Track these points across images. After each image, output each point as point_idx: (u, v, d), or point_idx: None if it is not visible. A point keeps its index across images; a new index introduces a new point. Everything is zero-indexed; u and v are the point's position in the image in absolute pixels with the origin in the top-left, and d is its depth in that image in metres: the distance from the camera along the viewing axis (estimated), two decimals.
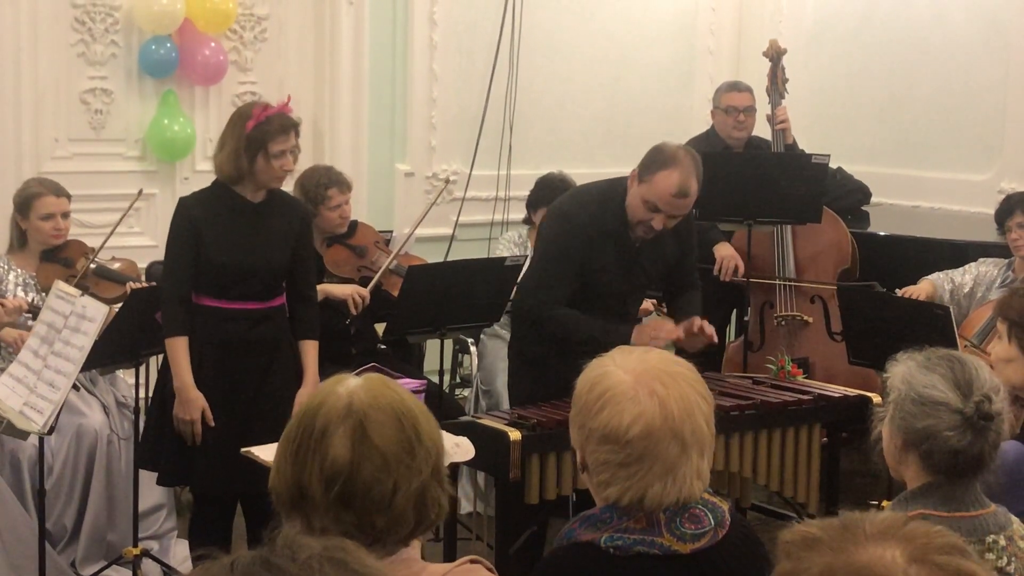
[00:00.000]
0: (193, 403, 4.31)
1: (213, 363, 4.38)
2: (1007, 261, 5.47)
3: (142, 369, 4.68)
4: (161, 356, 4.53)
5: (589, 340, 4.22)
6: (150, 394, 5.56)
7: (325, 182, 5.32)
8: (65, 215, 5.03)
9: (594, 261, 4.44)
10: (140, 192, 5.23)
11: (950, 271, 5.51)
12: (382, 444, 1.88)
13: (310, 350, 4.56)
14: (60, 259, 5.04)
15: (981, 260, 5.53)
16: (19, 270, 4.94)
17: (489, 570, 2.03)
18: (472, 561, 2.02)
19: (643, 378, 2.14)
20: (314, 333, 4.60)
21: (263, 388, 4.40)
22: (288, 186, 5.50)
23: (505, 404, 5.01)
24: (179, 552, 4.94)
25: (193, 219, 4.39)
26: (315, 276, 4.80)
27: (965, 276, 5.47)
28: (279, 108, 4.39)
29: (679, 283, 4.75)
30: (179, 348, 4.33)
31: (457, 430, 4.01)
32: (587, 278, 4.46)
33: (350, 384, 1.95)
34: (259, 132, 4.32)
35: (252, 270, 4.43)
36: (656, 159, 4.40)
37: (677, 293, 4.77)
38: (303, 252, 4.58)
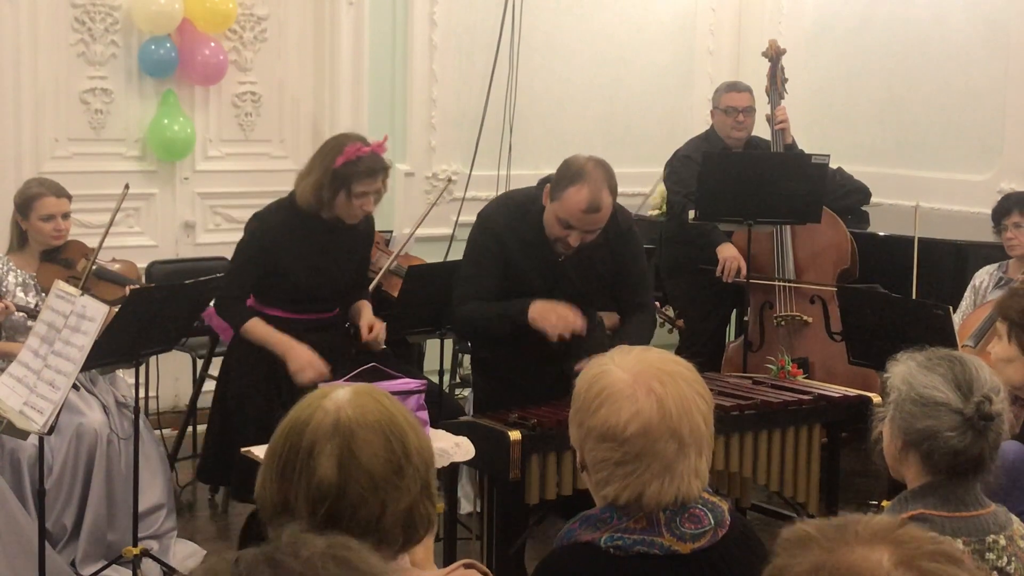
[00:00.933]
0: (311, 360, 4.38)
1: (278, 371, 4.44)
2: (998, 264, 5.47)
3: (141, 369, 4.68)
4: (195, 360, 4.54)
5: (499, 324, 4.22)
6: (149, 394, 5.57)
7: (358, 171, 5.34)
8: (65, 216, 5.02)
9: (514, 266, 4.36)
10: (126, 187, 5.20)
11: (959, 307, 5.44)
12: (369, 464, 1.82)
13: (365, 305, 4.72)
14: (60, 260, 5.03)
15: (976, 275, 5.53)
16: (19, 271, 4.93)
17: (484, 574, 2.02)
18: (466, 566, 2.00)
19: (641, 377, 2.15)
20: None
21: None
22: (287, 185, 5.50)
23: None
24: (179, 552, 4.94)
25: (267, 243, 4.45)
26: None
27: (965, 303, 5.48)
28: (373, 148, 4.38)
29: (623, 303, 4.55)
30: (258, 326, 4.44)
31: (457, 430, 4.01)
32: (511, 284, 4.36)
33: (338, 398, 1.88)
34: (346, 170, 4.33)
35: (324, 288, 4.55)
36: (565, 175, 4.21)
37: (623, 314, 4.58)
38: (366, 258, 4.69)
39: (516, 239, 4.35)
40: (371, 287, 5.29)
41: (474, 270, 4.40)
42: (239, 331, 4.50)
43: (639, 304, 4.53)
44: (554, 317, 4.20)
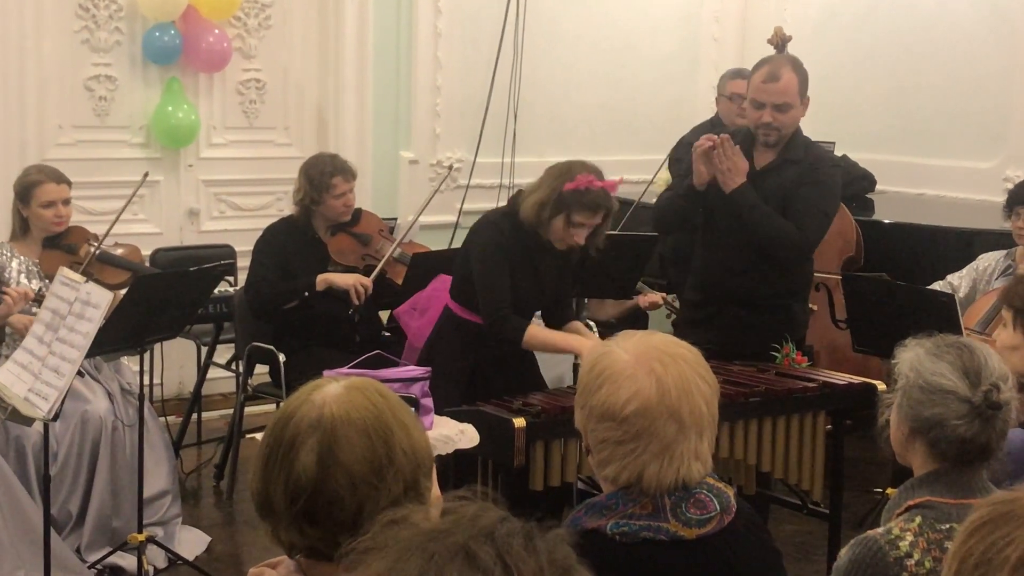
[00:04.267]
0: (595, 346, 4.42)
1: (485, 377, 4.47)
2: (1007, 251, 5.46)
3: (146, 356, 4.68)
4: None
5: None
6: (154, 381, 5.57)
7: (330, 170, 5.30)
8: (66, 202, 5.02)
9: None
10: (146, 175, 5.20)
11: (950, 276, 5.48)
12: (349, 463, 1.79)
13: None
14: (63, 246, 5.03)
15: (981, 257, 5.51)
16: (22, 257, 4.93)
17: None
18: None
19: (643, 358, 2.15)
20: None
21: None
22: (292, 172, 5.51)
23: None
24: (184, 538, 4.95)
25: (504, 250, 4.46)
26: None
27: (963, 280, 5.45)
28: (605, 184, 4.36)
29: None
30: (539, 333, 4.45)
31: (461, 417, 4.01)
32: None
33: (326, 393, 1.85)
34: (572, 197, 4.32)
35: (531, 303, 4.58)
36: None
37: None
38: (568, 286, 4.70)
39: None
40: (374, 275, 5.29)
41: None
42: (521, 344, 4.44)
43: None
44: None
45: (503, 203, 7.18)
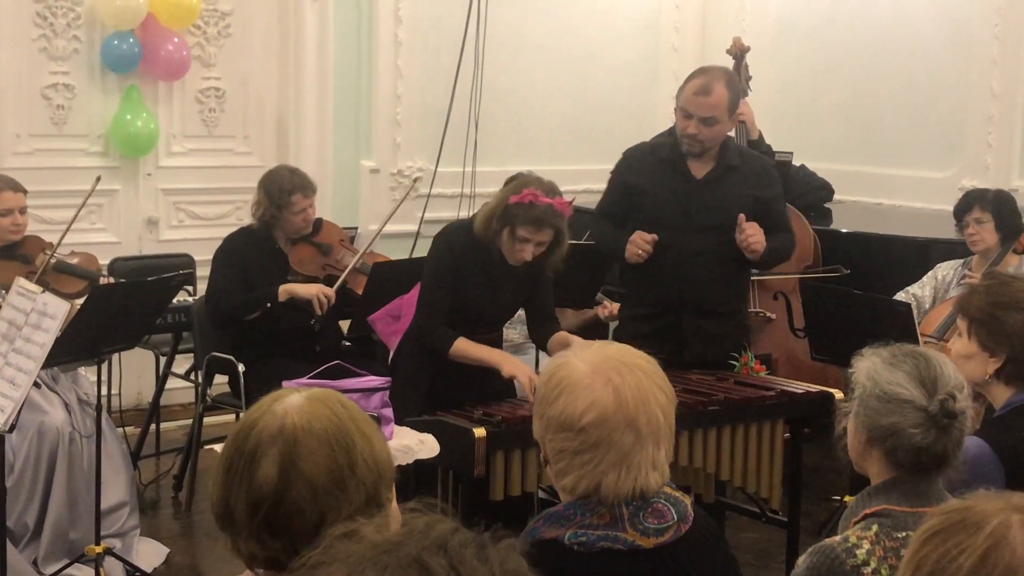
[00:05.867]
0: (523, 367, 4.43)
1: (447, 387, 4.46)
2: (963, 260, 5.52)
3: (104, 366, 4.65)
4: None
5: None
6: (112, 392, 5.53)
7: (288, 188, 5.25)
8: (23, 211, 4.98)
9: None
10: (98, 180, 5.13)
11: (910, 287, 5.53)
12: (310, 473, 1.78)
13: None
14: (19, 256, 4.99)
15: (938, 266, 5.57)
16: None
17: None
18: None
19: (600, 367, 2.16)
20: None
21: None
22: (251, 181, 5.49)
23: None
24: (142, 550, 4.91)
25: (454, 264, 4.47)
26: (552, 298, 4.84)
27: (924, 289, 5.51)
28: (553, 202, 4.35)
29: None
30: (463, 344, 4.42)
31: (422, 427, 4.00)
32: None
33: (288, 403, 1.85)
34: (516, 210, 4.32)
35: (486, 313, 4.57)
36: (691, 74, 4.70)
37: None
38: (544, 286, 4.68)
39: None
40: (336, 285, 5.28)
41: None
42: (448, 356, 4.43)
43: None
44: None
45: (464, 213, 7.22)
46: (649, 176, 4.79)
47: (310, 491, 1.78)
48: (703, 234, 4.69)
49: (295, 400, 1.85)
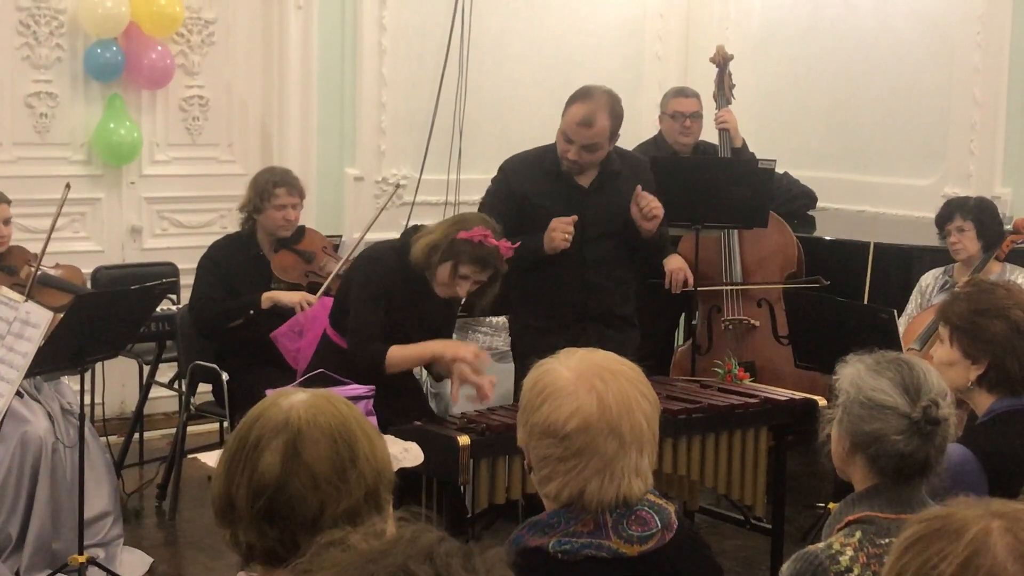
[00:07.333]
0: (457, 346, 4.47)
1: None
2: (944, 268, 5.54)
3: (87, 375, 4.63)
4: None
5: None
6: (95, 400, 5.52)
7: (274, 180, 5.32)
8: (6, 221, 4.97)
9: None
10: (67, 187, 5.09)
11: (907, 308, 5.54)
12: (312, 462, 1.82)
13: None
14: (3, 267, 4.98)
15: (923, 276, 5.60)
16: None
17: None
18: None
19: (584, 374, 2.16)
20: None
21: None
22: (235, 190, 5.49)
23: (455, 408, 5.01)
24: (126, 559, 4.90)
25: (384, 286, 4.45)
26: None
27: (911, 305, 5.54)
28: (498, 245, 4.34)
29: None
30: (398, 351, 4.40)
31: (406, 435, 4.00)
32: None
33: (294, 399, 1.90)
34: (463, 246, 4.31)
35: (409, 331, 4.52)
36: (574, 93, 4.82)
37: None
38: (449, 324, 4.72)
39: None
40: (320, 293, 5.28)
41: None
42: (386, 370, 4.40)
43: None
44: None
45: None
46: (536, 185, 4.83)
47: (311, 480, 1.82)
48: (598, 242, 4.79)
49: (300, 396, 1.91)
